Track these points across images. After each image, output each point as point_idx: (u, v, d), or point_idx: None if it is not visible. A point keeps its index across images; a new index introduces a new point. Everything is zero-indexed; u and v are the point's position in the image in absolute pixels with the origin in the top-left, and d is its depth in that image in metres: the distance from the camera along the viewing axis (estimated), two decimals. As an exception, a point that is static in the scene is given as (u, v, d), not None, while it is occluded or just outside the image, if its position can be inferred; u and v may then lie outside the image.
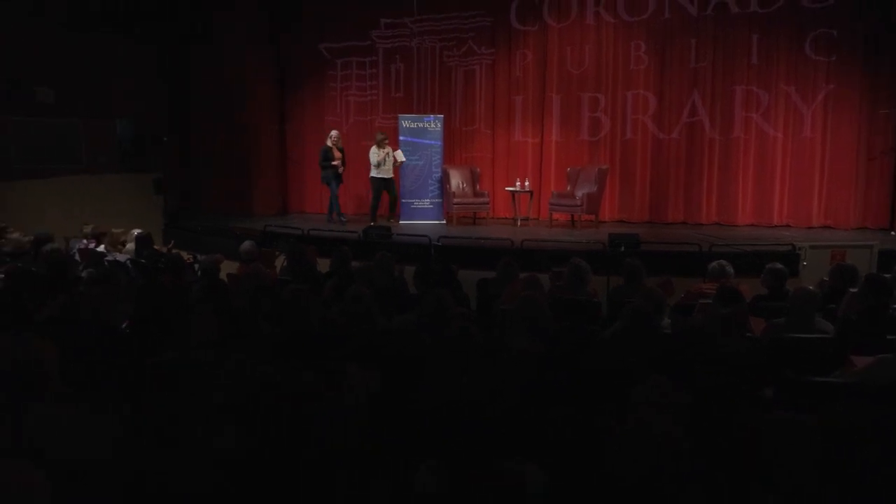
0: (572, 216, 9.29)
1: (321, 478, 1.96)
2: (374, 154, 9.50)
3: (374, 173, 9.55)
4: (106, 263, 6.07)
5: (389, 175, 9.61)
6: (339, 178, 9.81)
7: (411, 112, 10.51)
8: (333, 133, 9.88)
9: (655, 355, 2.93)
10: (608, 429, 1.94)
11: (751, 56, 9.13)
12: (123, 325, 3.55)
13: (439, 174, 10.03)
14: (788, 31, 8.93)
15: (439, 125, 10.06)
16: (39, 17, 9.75)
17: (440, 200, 10.05)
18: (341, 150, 9.79)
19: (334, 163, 9.63)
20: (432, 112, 10.48)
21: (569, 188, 9.47)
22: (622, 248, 6.91)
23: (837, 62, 8.74)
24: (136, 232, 7.01)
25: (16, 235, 7.20)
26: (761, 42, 9.07)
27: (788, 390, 2.92)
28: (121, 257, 6.56)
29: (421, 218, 9.90)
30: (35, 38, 9.69)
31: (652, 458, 1.71)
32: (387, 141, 9.55)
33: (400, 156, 9.68)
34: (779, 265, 4.65)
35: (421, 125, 10.05)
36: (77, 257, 6.66)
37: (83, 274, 5.13)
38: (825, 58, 8.79)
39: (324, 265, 5.70)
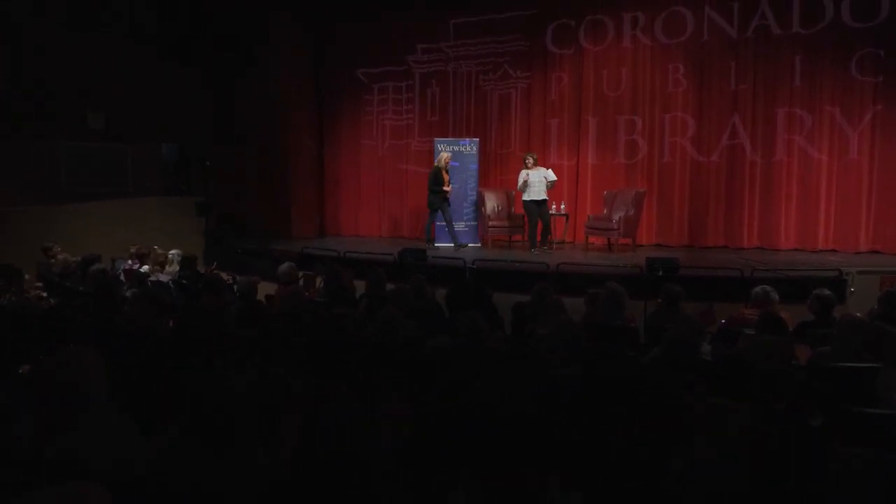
0: (609, 240, 9.18)
1: (355, 497, 1.95)
2: (520, 176, 8.99)
3: (524, 196, 8.97)
4: (149, 283, 6.24)
5: (539, 197, 8.88)
6: (447, 201, 9.46)
7: (447, 135, 10.60)
8: (444, 155, 9.54)
9: (696, 383, 2.85)
10: (659, 456, 1.88)
11: (793, 78, 8.96)
12: (166, 342, 3.62)
13: (475, 197, 10.05)
14: (833, 52, 8.73)
15: (475, 148, 10.12)
16: (92, 43, 10.20)
17: (475, 223, 10.06)
18: (448, 173, 9.48)
19: (446, 188, 9.34)
20: (468, 135, 10.55)
21: (605, 211, 9.37)
22: (660, 273, 6.78)
23: (885, 83, 8.50)
24: (173, 252, 7.21)
25: (63, 256, 7.47)
26: (804, 63, 8.89)
27: (838, 421, 2.81)
28: (163, 277, 6.74)
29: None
30: (87, 64, 10.14)
31: (711, 489, 1.65)
32: (531, 162, 8.92)
33: (550, 175, 8.91)
34: (826, 291, 4.50)
35: (457, 148, 10.12)
36: (122, 277, 6.86)
37: (128, 294, 5.28)
38: (872, 78, 8.56)
39: (359, 287, 5.75)
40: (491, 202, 9.92)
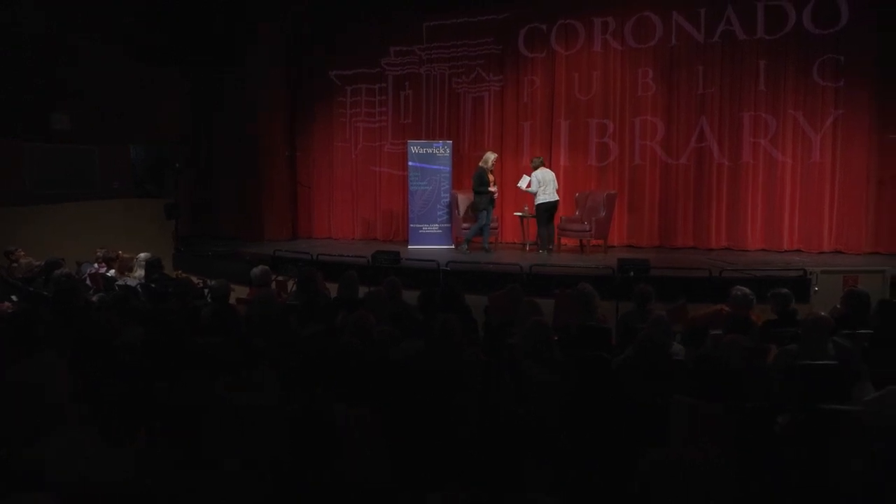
0: (581, 241, 9.28)
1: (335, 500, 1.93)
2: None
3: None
4: (116, 288, 6.11)
5: (537, 200, 8.89)
6: (493, 203, 9.24)
7: (420, 138, 10.60)
8: (490, 156, 9.28)
9: (669, 383, 2.89)
10: (641, 458, 1.88)
11: (758, 82, 9.16)
12: (135, 349, 3.55)
13: (448, 199, 10.06)
14: (796, 58, 8.96)
15: (448, 151, 10.13)
16: (57, 43, 9.95)
17: (449, 225, 10.06)
18: (493, 174, 9.26)
19: (491, 188, 9.12)
20: (441, 138, 10.56)
21: (577, 213, 9.47)
22: (632, 274, 6.88)
23: (846, 87, 8.75)
24: (142, 256, 7.07)
25: (27, 260, 7.28)
26: (769, 68, 9.11)
27: (804, 418, 2.87)
28: (131, 281, 6.60)
29: (429, 243, 9.92)
30: (53, 64, 9.88)
31: (695, 488, 1.66)
32: (534, 166, 8.95)
33: (523, 181, 9.05)
34: (784, 290, 4.58)
35: (430, 151, 10.12)
36: (88, 282, 6.71)
37: (94, 298, 5.17)
38: (833, 83, 8.80)
39: (332, 290, 5.70)
40: (464, 204, 9.93)
